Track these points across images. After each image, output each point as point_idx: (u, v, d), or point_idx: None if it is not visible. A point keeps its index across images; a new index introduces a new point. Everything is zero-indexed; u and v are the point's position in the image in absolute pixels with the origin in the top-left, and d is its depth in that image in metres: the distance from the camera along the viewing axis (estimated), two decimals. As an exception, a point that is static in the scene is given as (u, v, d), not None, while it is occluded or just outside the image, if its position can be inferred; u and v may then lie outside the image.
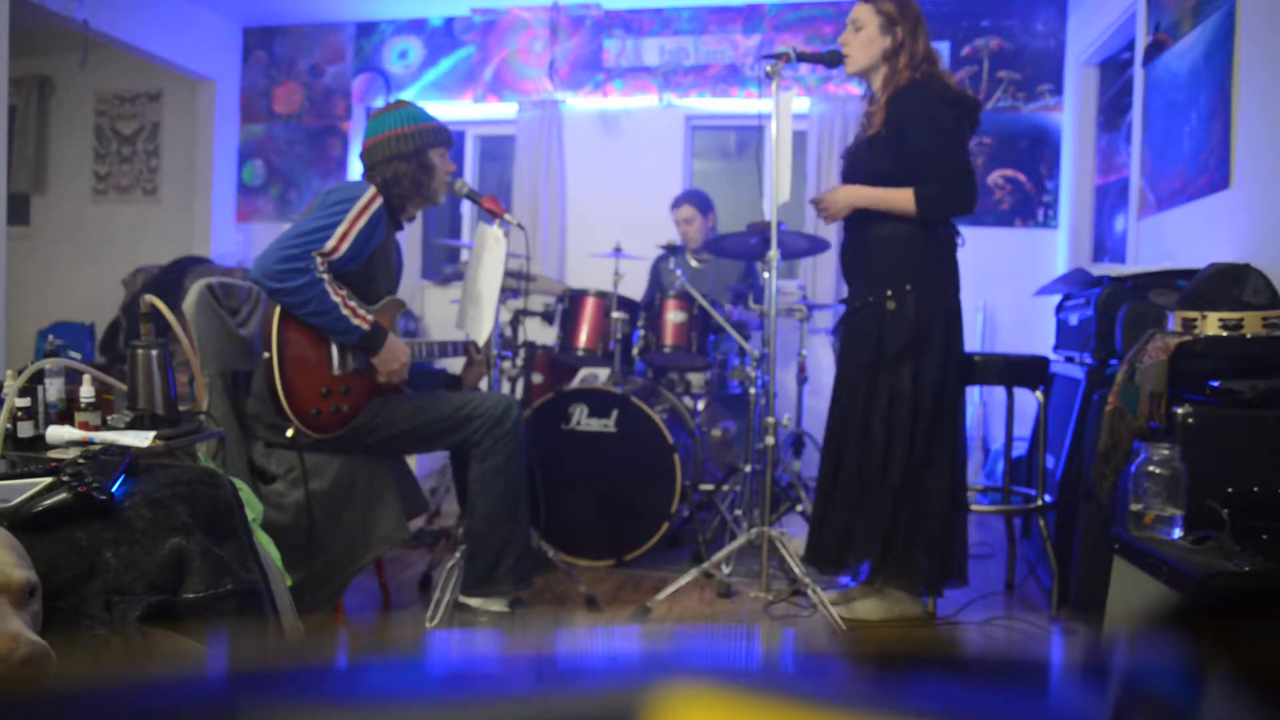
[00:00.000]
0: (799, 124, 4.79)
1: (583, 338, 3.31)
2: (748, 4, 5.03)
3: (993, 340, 4.77)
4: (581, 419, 3.14)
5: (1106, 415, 2.19)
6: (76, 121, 5.96)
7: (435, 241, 5.66)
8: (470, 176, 5.74)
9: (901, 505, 2.46)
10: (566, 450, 3.14)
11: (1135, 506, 1.78)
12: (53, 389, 1.59)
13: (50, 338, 1.76)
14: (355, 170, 5.53)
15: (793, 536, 2.76)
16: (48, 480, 1.17)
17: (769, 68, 2.50)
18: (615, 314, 3.21)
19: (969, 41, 4.80)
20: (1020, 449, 3.57)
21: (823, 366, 4.71)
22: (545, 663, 0.40)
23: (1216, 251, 2.62)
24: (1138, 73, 3.59)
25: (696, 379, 3.70)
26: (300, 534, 2.23)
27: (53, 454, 1.41)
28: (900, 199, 2.43)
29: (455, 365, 2.76)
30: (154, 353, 1.59)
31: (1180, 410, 1.93)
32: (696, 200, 4.10)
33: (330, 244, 2.20)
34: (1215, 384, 1.95)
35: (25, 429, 1.50)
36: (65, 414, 1.61)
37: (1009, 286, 4.62)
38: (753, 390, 3.07)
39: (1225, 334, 2.02)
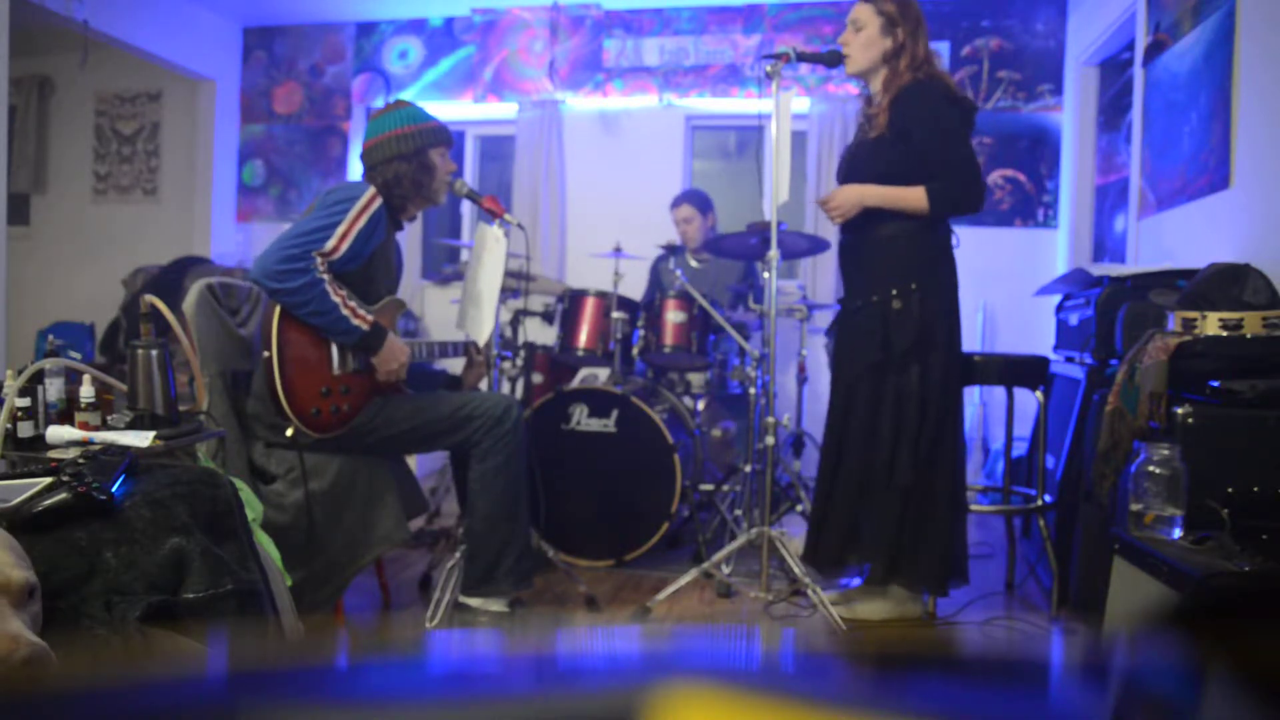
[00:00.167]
0: (799, 124, 4.80)
1: (583, 338, 3.31)
2: (748, 4, 5.03)
3: (993, 340, 4.77)
4: (581, 419, 3.14)
5: (1106, 415, 2.19)
6: (76, 121, 5.96)
7: (435, 241, 5.66)
8: (470, 176, 5.74)
9: (909, 505, 2.46)
10: (566, 450, 3.14)
11: (1135, 506, 1.78)
12: (53, 389, 1.59)
13: (50, 338, 1.76)
14: (355, 170, 5.53)
15: (793, 536, 2.76)
16: (48, 480, 1.17)
17: (769, 68, 2.50)
18: (615, 314, 3.21)
19: (969, 41, 4.80)
20: (1020, 449, 3.57)
21: (823, 366, 4.70)
22: (545, 663, 0.40)
23: (1216, 251, 2.62)
24: (1138, 73, 3.59)
25: (696, 379, 3.70)
26: (300, 534, 2.23)
27: (53, 454, 1.41)
28: (912, 197, 2.43)
29: (455, 366, 2.76)
30: (154, 353, 1.59)
31: (1180, 410, 1.93)
32: (696, 200, 4.10)
33: (330, 244, 2.20)
34: (1215, 384, 1.95)
35: (25, 429, 1.50)
36: (65, 414, 1.61)
37: (1009, 286, 4.62)
38: (753, 390, 3.07)
39: (1225, 334, 2.02)
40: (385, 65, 5.56)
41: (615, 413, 3.12)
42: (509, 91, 5.36)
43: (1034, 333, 4.40)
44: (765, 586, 2.65)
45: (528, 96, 5.29)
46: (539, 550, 2.84)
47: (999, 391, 4.31)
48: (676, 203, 4.15)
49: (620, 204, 5.13)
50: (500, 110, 5.42)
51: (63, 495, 1.12)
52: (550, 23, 5.23)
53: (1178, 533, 1.72)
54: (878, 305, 2.48)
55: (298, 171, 5.69)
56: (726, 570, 2.91)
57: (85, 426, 1.54)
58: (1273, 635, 0.38)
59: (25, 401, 1.50)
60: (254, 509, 1.58)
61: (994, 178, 4.76)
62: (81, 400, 1.58)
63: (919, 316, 2.45)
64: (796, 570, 2.54)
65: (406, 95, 5.45)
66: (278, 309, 2.20)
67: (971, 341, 4.64)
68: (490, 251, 2.61)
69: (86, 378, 1.59)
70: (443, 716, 0.32)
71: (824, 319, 4.76)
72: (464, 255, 5.19)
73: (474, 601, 2.40)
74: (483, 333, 2.59)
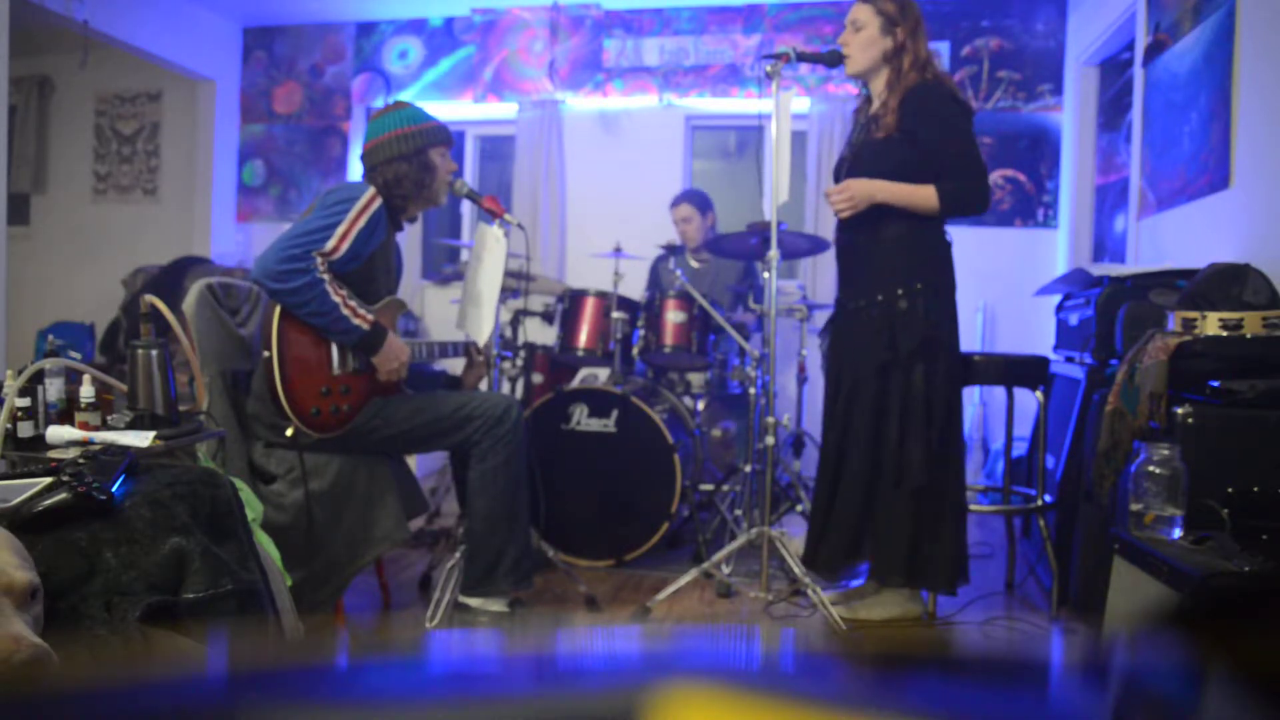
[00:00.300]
0: (799, 124, 4.80)
1: (583, 338, 3.31)
2: (748, 4, 5.03)
3: (993, 340, 4.77)
4: (581, 419, 3.14)
5: (1106, 415, 2.19)
6: (76, 121, 5.96)
7: (435, 241, 5.67)
8: (470, 176, 5.74)
9: (921, 507, 2.46)
10: (566, 450, 3.14)
11: (1135, 506, 1.78)
12: (53, 389, 1.59)
13: (50, 338, 1.76)
14: (355, 170, 5.53)
15: (793, 536, 2.76)
16: (48, 480, 1.17)
17: (769, 68, 2.50)
18: (615, 314, 3.21)
19: (969, 41, 4.80)
20: (1020, 449, 3.57)
21: (823, 366, 4.71)
22: (545, 663, 0.40)
23: (1216, 251, 2.62)
24: (1138, 73, 3.59)
25: (696, 379, 3.70)
26: (300, 534, 2.23)
27: (53, 454, 1.41)
28: (923, 195, 2.43)
29: (456, 366, 2.76)
30: (154, 353, 1.59)
31: (1180, 410, 1.93)
32: (695, 199, 4.10)
33: (330, 244, 2.20)
34: (1215, 384, 1.95)
35: (25, 429, 1.50)
36: (65, 414, 1.61)
37: (1009, 286, 4.62)
38: (753, 390, 3.07)
39: (1225, 334, 2.02)
40: (385, 65, 5.56)
41: (615, 413, 3.12)
42: (509, 91, 5.36)
43: (1034, 333, 4.40)
44: (765, 586, 2.65)
45: (528, 96, 5.29)
46: (539, 550, 2.84)
47: (999, 391, 4.32)
48: (675, 202, 4.15)
49: (620, 204, 5.13)
50: (500, 110, 5.42)
51: (63, 495, 1.12)
52: (550, 23, 5.23)
53: (1178, 533, 1.72)
54: (883, 305, 2.47)
55: (298, 171, 5.69)
56: (726, 570, 2.91)
57: (85, 426, 1.54)
58: (1273, 635, 0.38)
59: (25, 401, 1.50)
60: (254, 509, 1.58)
61: (994, 178, 4.76)
62: (81, 400, 1.58)
63: (925, 317, 2.45)
64: (796, 570, 2.54)
65: (406, 95, 5.46)
66: (278, 309, 2.20)
67: (971, 341, 4.65)
68: (490, 251, 2.61)
69: (86, 378, 1.59)
70: (443, 716, 0.32)
71: (824, 319, 4.76)
72: (464, 255, 5.19)
73: (474, 601, 2.40)
74: (483, 333, 2.59)
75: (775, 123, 2.50)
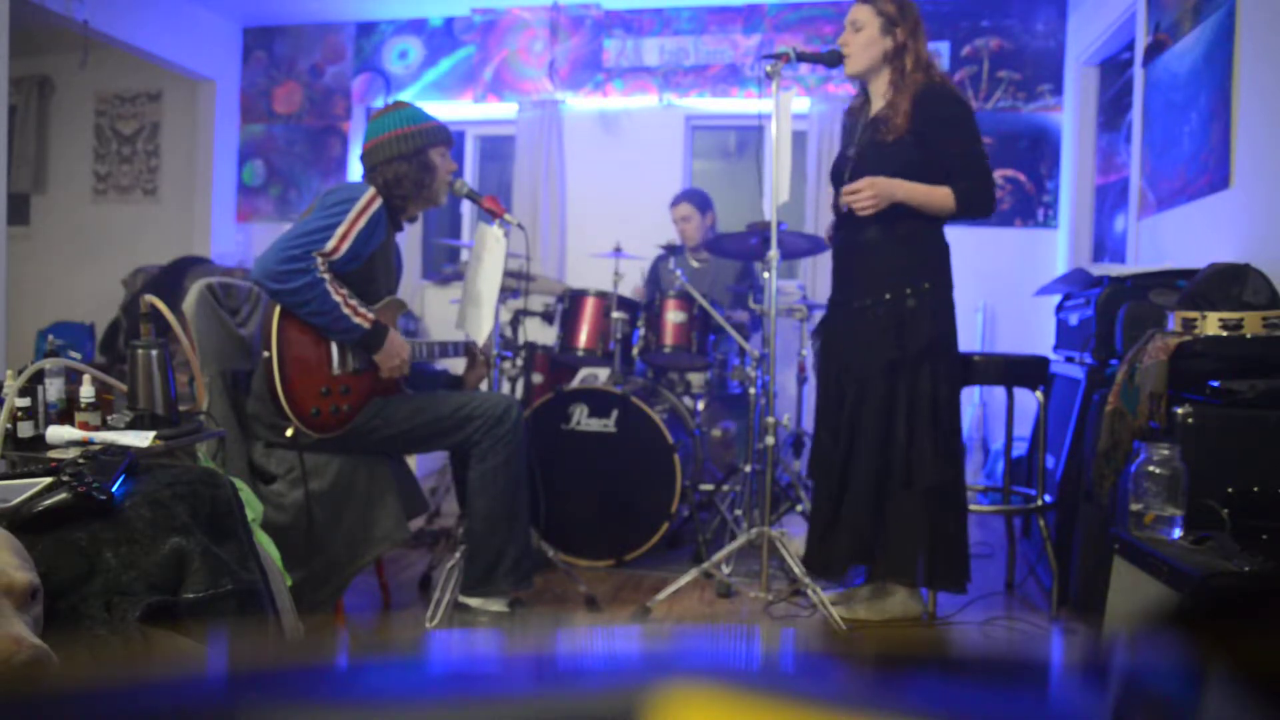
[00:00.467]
0: (799, 124, 4.80)
1: (583, 338, 3.31)
2: (748, 4, 5.03)
3: (993, 340, 4.77)
4: (581, 419, 3.14)
5: (1106, 415, 2.19)
6: (76, 121, 5.96)
7: (435, 241, 5.67)
8: (470, 176, 5.74)
9: (932, 505, 2.46)
10: (566, 450, 3.14)
11: (1135, 506, 1.78)
12: (53, 389, 1.59)
13: (50, 338, 1.76)
14: (355, 170, 5.53)
15: (793, 537, 2.76)
16: (48, 480, 1.17)
17: (769, 68, 2.50)
18: (615, 314, 3.21)
19: (969, 41, 4.80)
20: (1020, 449, 3.57)
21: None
22: (545, 663, 0.40)
23: (1216, 251, 2.62)
24: (1138, 73, 3.59)
25: (696, 379, 3.70)
26: (300, 534, 2.23)
27: (53, 454, 1.41)
28: (940, 195, 2.43)
29: (456, 366, 2.76)
30: (154, 353, 1.59)
31: (1180, 410, 1.93)
32: (694, 199, 4.10)
33: (330, 244, 2.20)
34: (1215, 384, 1.95)
35: (25, 429, 1.50)
36: (65, 414, 1.61)
37: (1009, 286, 4.62)
38: (753, 390, 3.07)
39: (1225, 334, 2.02)
40: (385, 65, 5.56)
41: (615, 413, 3.12)
42: (509, 91, 5.36)
43: (1034, 333, 4.40)
44: (765, 586, 2.65)
45: (528, 96, 5.29)
46: (539, 550, 2.84)
47: (999, 391, 4.32)
48: (675, 201, 4.16)
49: (620, 204, 5.13)
50: (500, 110, 5.42)
51: (63, 495, 1.12)
52: (550, 23, 5.23)
53: (1178, 533, 1.72)
54: (891, 303, 2.47)
55: (298, 171, 5.69)
56: (726, 570, 2.91)
57: (85, 426, 1.54)
58: (1273, 635, 0.38)
59: (25, 401, 1.50)
60: (254, 509, 1.58)
61: (994, 178, 4.75)
62: (81, 400, 1.58)
63: (933, 316, 2.46)
64: (796, 570, 2.54)
65: (406, 95, 5.46)
66: (277, 309, 2.20)
67: (971, 341, 4.65)
68: (490, 251, 2.61)
69: (86, 378, 1.59)
70: (443, 716, 0.32)
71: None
72: (464, 255, 5.19)
73: (474, 601, 2.40)
74: (482, 332, 2.59)
75: (775, 123, 2.50)
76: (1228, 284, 2.11)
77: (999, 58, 4.77)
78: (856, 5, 2.50)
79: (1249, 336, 2.00)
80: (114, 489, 1.18)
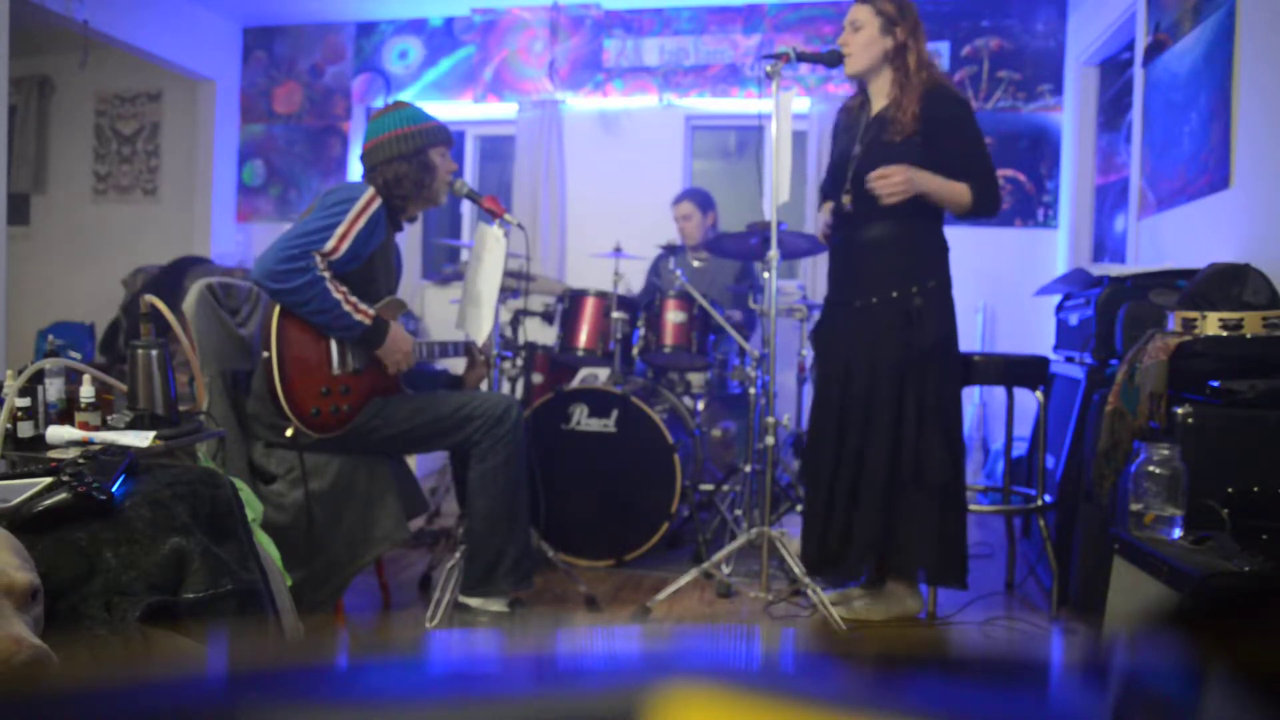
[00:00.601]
0: (799, 124, 4.80)
1: (583, 338, 3.31)
2: (748, 4, 5.03)
3: (993, 340, 4.77)
4: (581, 419, 3.14)
5: (1106, 415, 2.19)
6: (76, 121, 5.96)
7: (435, 241, 5.67)
8: (470, 176, 5.74)
9: (940, 502, 2.47)
10: (566, 450, 3.14)
11: (1135, 506, 1.78)
12: (53, 389, 1.59)
13: (50, 338, 1.76)
14: (355, 170, 5.53)
15: (793, 536, 2.76)
16: (48, 480, 1.17)
17: (769, 68, 2.49)
18: (615, 314, 3.21)
19: (969, 41, 4.80)
20: (1020, 449, 3.57)
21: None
22: (545, 663, 0.40)
23: (1216, 251, 2.62)
24: (1138, 73, 3.59)
25: (696, 379, 3.70)
26: (300, 534, 2.23)
27: (53, 454, 1.41)
28: (959, 191, 2.44)
29: (456, 366, 2.76)
30: (154, 353, 1.59)
31: (1180, 410, 1.93)
32: (696, 198, 4.10)
33: (330, 244, 2.20)
34: (1215, 384, 1.95)
35: (25, 429, 1.50)
36: (65, 414, 1.61)
37: (1009, 286, 4.62)
38: (753, 390, 3.07)
39: (1225, 334, 2.02)
40: (385, 65, 5.56)
41: (615, 413, 3.12)
42: (509, 91, 5.36)
43: (1034, 333, 4.40)
44: (765, 586, 2.65)
45: (528, 96, 5.29)
46: (539, 550, 2.84)
47: (999, 391, 4.31)
48: (677, 199, 4.16)
49: (620, 204, 5.13)
50: (500, 110, 5.42)
51: (63, 495, 1.12)
52: (550, 23, 5.23)
53: (1178, 533, 1.72)
54: (898, 301, 2.47)
55: (298, 171, 5.69)
56: (726, 570, 2.91)
57: (85, 426, 1.54)
58: (1273, 635, 0.38)
59: (25, 401, 1.50)
60: (254, 509, 1.58)
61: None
62: (81, 400, 1.58)
63: (939, 314, 2.47)
64: (796, 570, 2.54)
65: (406, 95, 5.46)
66: (277, 309, 2.20)
67: (971, 341, 4.65)
68: (490, 251, 2.61)
69: (86, 378, 1.59)
70: (443, 716, 0.32)
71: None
72: (464, 255, 5.19)
73: (474, 601, 2.40)
74: (482, 332, 2.59)
75: (775, 123, 2.50)
76: (1228, 284, 2.11)
77: (999, 58, 4.77)
78: (855, 5, 2.50)
79: (1249, 336, 2.00)
80: (114, 489, 1.18)
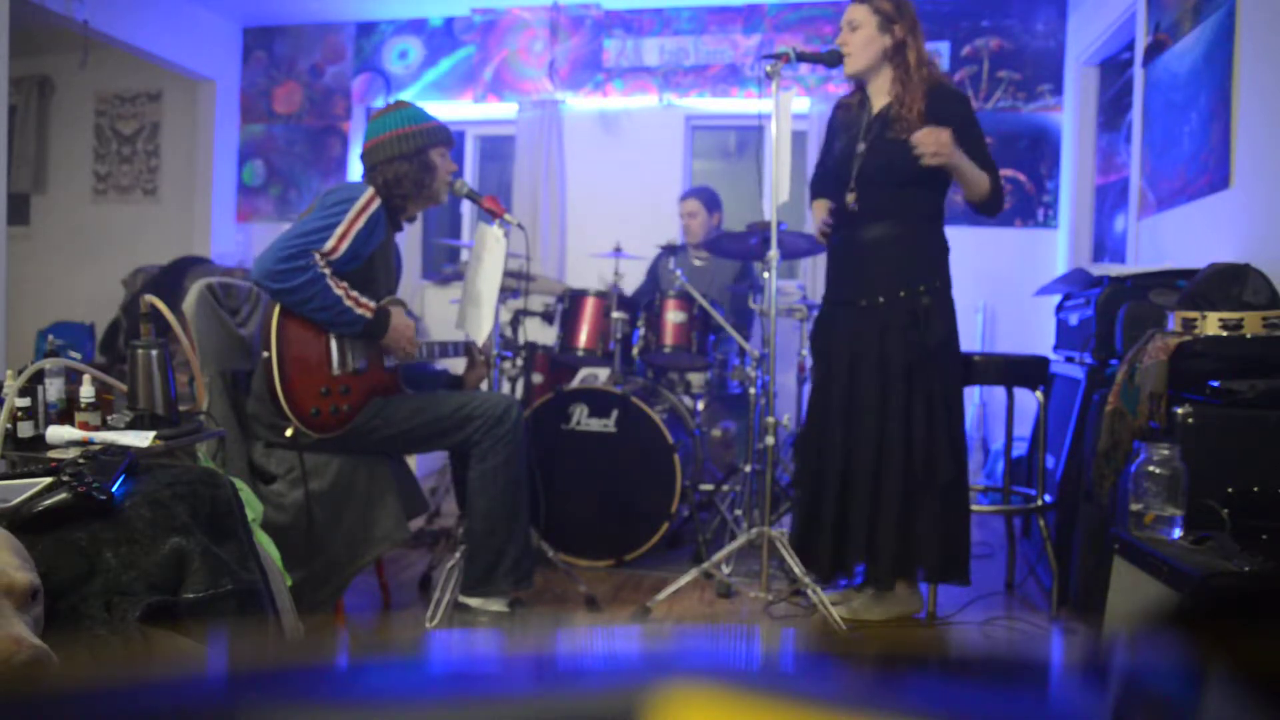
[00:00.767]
0: (799, 124, 4.79)
1: (583, 338, 3.31)
2: (748, 4, 5.03)
3: (993, 340, 4.77)
4: (581, 419, 3.14)
5: (1106, 415, 2.19)
6: (76, 121, 5.96)
7: (435, 241, 5.67)
8: (470, 176, 5.74)
9: (948, 500, 2.47)
10: (566, 450, 3.14)
11: (1135, 506, 1.78)
12: (53, 389, 1.59)
13: (50, 338, 1.76)
14: (355, 170, 5.53)
15: (793, 536, 2.76)
16: (48, 480, 1.17)
17: (769, 68, 2.49)
18: (615, 314, 3.21)
19: (969, 41, 4.80)
20: (1020, 449, 3.57)
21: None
22: (545, 663, 0.40)
23: (1216, 251, 2.62)
24: (1138, 73, 3.59)
25: (696, 379, 3.70)
26: (300, 534, 2.23)
27: (53, 454, 1.41)
28: (980, 175, 2.45)
29: (456, 366, 2.76)
30: (154, 353, 1.59)
31: (1180, 410, 1.93)
32: (704, 196, 4.10)
33: (329, 244, 2.20)
34: (1215, 384, 1.95)
35: (25, 429, 1.50)
36: (65, 414, 1.61)
37: (1009, 286, 4.62)
38: (753, 390, 3.07)
39: (1225, 334, 2.02)
40: (385, 65, 5.56)
41: (615, 413, 3.12)
42: (509, 91, 5.36)
43: (1034, 333, 4.40)
44: (765, 586, 2.65)
45: (528, 96, 5.29)
46: (539, 550, 2.84)
47: (999, 391, 4.31)
48: (685, 195, 4.15)
49: (620, 204, 5.13)
50: (500, 110, 5.42)
51: (63, 495, 1.12)
52: (550, 23, 5.23)
53: (1178, 533, 1.72)
54: (905, 301, 2.47)
55: (298, 171, 5.69)
56: (726, 570, 2.91)
57: (85, 426, 1.54)
58: (1273, 635, 0.38)
59: (25, 401, 1.50)
60: (254, 509, 1.58)
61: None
62: (81, 400, 1.58)
63: (946, 314, 2.47)
64: (796, 570, 2.54)
65: (406, 95, 5.45)
66: (277, 309, 2.20)
67: (971, 341, 4.64)
68: (490, 251, 2.61)
69: (86, 378, 1.59)
70: (443, 716, 0.32)
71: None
72: (464, 255, 5.19)
73: (474, 601, 2.40)
74: (482, 332, 2.59)
75: (775, 123, 2.50)
76: (1228, 284, 2.11)
77: (999, 58, 4.77)
78: (852, 5, 2.50)
79: (1249, 336, 2.00)
80: (114, 489, 1.18)
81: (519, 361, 3.60)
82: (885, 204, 2.48)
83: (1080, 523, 2.56)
